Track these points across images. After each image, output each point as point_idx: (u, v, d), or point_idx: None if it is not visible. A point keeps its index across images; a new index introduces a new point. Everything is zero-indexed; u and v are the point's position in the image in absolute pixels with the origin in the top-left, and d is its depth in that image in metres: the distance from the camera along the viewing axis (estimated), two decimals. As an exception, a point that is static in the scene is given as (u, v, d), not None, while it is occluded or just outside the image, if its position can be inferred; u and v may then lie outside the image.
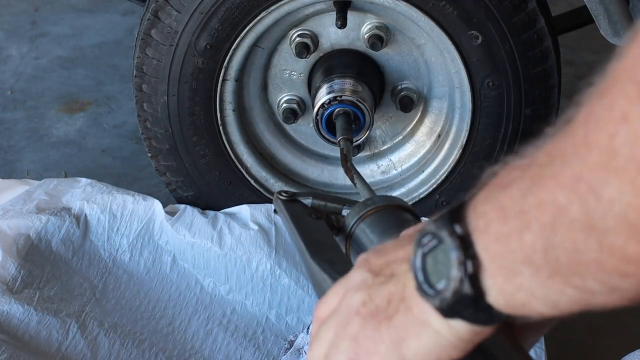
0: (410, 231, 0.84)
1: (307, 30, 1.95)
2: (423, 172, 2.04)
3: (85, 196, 1.97)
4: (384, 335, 0.80)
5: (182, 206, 2.00)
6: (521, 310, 0.73)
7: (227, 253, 1.90)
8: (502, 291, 0.73)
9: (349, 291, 0.84)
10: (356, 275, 0.84)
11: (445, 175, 1.99)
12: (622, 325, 2.02)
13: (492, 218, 0.73)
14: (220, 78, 1.93)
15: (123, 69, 2.99)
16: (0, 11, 3.38)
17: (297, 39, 1.95)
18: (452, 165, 1.98)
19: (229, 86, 1.96)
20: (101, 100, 2.86)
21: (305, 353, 1.66)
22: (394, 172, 2.08)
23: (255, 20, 1.87)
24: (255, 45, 1.94)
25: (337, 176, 2.09)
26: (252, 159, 2.03)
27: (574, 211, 0.68)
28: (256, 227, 1.94)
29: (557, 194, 0.69)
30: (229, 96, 1.97)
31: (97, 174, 2.46)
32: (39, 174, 2.49)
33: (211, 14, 1.86)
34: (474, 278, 0.73)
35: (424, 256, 0.76)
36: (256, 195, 2.03)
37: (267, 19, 1.88)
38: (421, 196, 2.02)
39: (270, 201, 2.03)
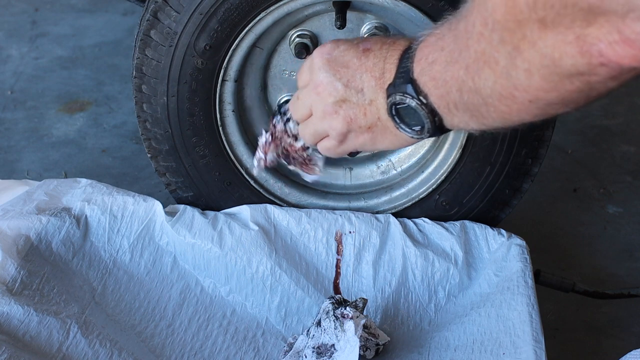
0: (367, 44, 1.40)
1: (307, 30, 1.95)
2: (423, 172, 2.04)
3: (86, 197, 1.97)
4: (365, 135, 1.40)
5: (182, 206, 2.00)
6: (457, 125, 1.28)
7: (228, 253, 1.90)
8: (448, 121, 1.28)
9: (319, 86, 1.41)
10: (323, 73, 1.42)
11: (445, 175, 1.99)
12: (622, 325, 2.02)
13: (433, 76, 1.25)
14: (220, 79, 1.93)
15: (123, 69, 3.00)
16: (0, 11, 3.39)
17: (297, 39, 1.95)
18: (452, 166, 1.98)
19: (229, 87, 1.96)
20: (101, 100, 2.87)
21: (306, 357, 1.66)
22: (394, 172, 2.08)
23: (254, 21, 1.87)
24: (254, 45, 1.94)
25: (337, 176, 2.09)
26: (252, 160, 2.03)
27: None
28: (256, 228, 1.94)
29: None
30: (228, 97, 1.97)
31: (97, 174, 2.46)
32: (39, 174, 2.49)
33: (210, 15, 1.86)
34: (439, 123, 1.28)
35: (397, 107, 1.32)
36: (256, 196, 2.04)
37: (266, 19, 1.88)
38: (421, 196, 2.02)
39: (270, 201, 2.03)
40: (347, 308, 1.67)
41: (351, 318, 1.66)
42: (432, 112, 1.28)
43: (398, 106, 1.31)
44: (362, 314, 1.70)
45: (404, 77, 1.29)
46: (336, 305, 1.69)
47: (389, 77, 1.33)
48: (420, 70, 1.27)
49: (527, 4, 1.01)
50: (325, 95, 1.40)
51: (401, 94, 1.29)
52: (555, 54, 1.01)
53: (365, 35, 1.93)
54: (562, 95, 1.07)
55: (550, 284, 1.98)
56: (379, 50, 1.36)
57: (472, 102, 1.19)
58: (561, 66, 1.02)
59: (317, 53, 1.42)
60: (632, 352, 1.33)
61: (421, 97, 1.27)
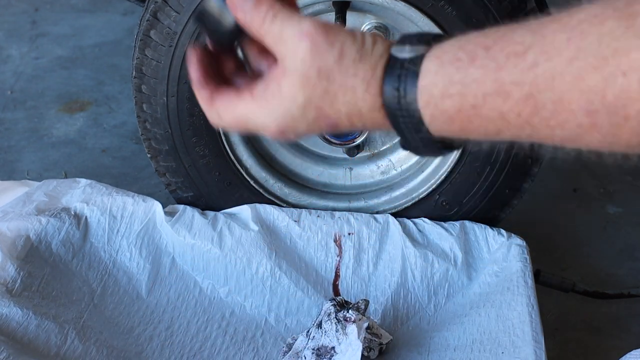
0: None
1: (307, 30, 1.95)
2: (423, 172, 2.04)
3: (85, 197, 1.97)
4: None
5: (182, 207, 1.99)
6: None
7: (227, 254, 1.90)
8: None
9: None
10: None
11: (445, 175, 1.99)
12: (622, 325, 2.02)
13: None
14: (220, 79, 1.92)
15: (123, 69, 2.99)
16: (0, 11, 3.38)
17: (297, 39, 1.94)
18: (451, 165, 1.98)
19: (229, 87, 1.95)
20: (101, 100, 2.86)
21: (305, 358, 1.66)
22: (394, 172, 2.08)
23: (254, 21, 1.87)
24: (254, 45, 1.94)
25: (336, 176, 2.09)
26: (252, 160, 2.03)
27: None
28: (257, 228, 1.93)
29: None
30: (228, 97, 1.97)
31: (97, 174, 2.46)
32: (39, 174, 2.49)
33: (210, 15, 1.86)
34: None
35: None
36: (256, 196, 2.03)
37: (266, 19, 1.88)
38: (421, 196, 2.01)
39: (270, 202, 2.03)
40: (350, 311, 1.67)
41: (354, 321, 1.65)
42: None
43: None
44: (364, 315, 1.69)
45: (423, 142, 0.86)
46: (338, 308, 1.68)
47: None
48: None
49: None
50: None
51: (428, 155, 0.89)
52: None
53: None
54: None
55: (550, 284, 1.98)
56: (349, 123, 0.88)
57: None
58: None
59: (273, 136, 0.90)
60: (632, 352, 1.32)
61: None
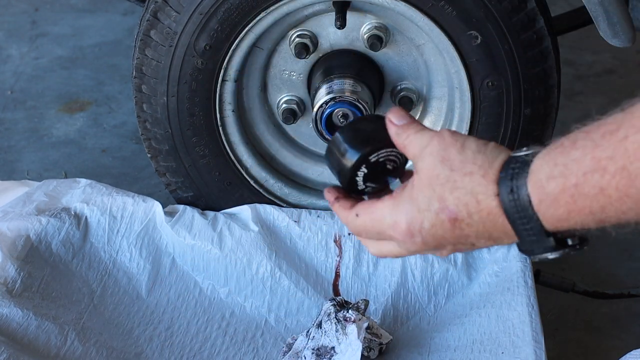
0: (449, 213, 0.97)
1: (307, 30, 1.95)
2: (423, 172, 2.04)
3: (85, 197, 1.97)
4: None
5: (182, 207, 1.99)
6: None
7: (228, 255, 1.90)
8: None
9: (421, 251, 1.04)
10: (423, 249, 1.02)
11: (445, 175, 1.99)
12: (622, 325, 2.02)
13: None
14: (220, 79, 1.93)
15: (123, 69, 2.99)
16: (0, 11, 3.38)
17: (297, 39, 1.95)
18: (451, 166, 1.98)
19: (229, 87, 1.95)
20: (101, 100, 2.86)
21: (305, 358, 1.66)
22: (394, 172, 2.08)
23: (254, 21, 1.87)
24: (254, 45, 1.94)
25: (337, 176, 2.09)
26: (252, 160, 2.03)
27: None
28: (257, 229, 1.93)
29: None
30: (228, 97, 1.97)
31: (97, 174, 2.46)
32: (39, 174, 2.49)
33: (210, 15, 1.86)
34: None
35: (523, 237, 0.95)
36: (256, 196, 2.03)
37: (266, 19, 1.88)
38: (421, 196, 2.01)
39: (270, 202, 2.03)
40: (350, 311, 1.67)
41: (354, 321, 1.65)
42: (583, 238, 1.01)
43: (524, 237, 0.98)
44: (364, 315, 1.69)
45: (535, 236, 0.95)
46: (338, 308, 1.68)
47: (504, 234, 0.98)
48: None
49: None
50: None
51: (542, 255, 0.98)
52: None
53: (365, 36, 1.93)
54: None
55: (550, 284, 1.98)
56: (468, 216, 0.97)
57: None
58: None
59: (401, 237, 1.03)
60: (632, 352, 1.32)
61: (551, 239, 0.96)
